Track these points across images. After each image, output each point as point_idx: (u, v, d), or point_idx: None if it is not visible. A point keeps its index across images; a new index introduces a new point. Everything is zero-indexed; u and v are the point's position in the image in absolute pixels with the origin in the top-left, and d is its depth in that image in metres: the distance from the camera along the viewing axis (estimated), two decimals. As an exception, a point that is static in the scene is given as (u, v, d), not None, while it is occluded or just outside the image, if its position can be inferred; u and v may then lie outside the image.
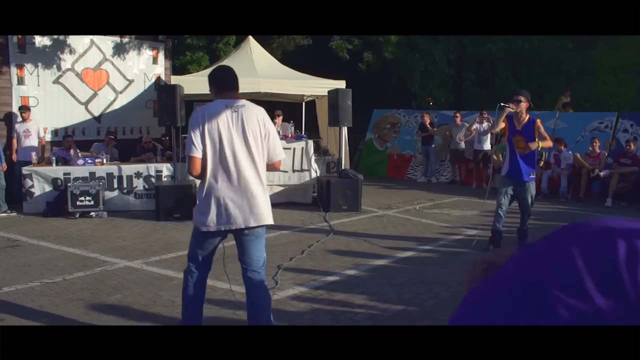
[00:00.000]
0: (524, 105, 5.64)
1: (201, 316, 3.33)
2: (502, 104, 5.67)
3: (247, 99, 3.53)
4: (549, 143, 5.83)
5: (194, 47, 14.03)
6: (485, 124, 10.90)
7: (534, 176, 5.77)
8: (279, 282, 4.63)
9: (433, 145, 11.81)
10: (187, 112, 8.49)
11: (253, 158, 3.11)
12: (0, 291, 4.32)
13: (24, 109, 8.65)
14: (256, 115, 3.21)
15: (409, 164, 12.82)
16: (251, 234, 3.21)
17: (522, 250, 0.59)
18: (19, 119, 8.68)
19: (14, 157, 8.48)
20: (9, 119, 8.82)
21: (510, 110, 5.55)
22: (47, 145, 9.13)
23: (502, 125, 5.80)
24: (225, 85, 3.28)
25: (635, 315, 0.48)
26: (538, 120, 5.61)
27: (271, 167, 3.31)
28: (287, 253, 5.57)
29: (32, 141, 8.60)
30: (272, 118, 9.32)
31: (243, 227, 3.14)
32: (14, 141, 8.53)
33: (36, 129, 8.69)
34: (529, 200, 5.76)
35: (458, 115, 11.63)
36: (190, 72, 12.70)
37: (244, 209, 3.11)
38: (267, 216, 3.23)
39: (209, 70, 10.83)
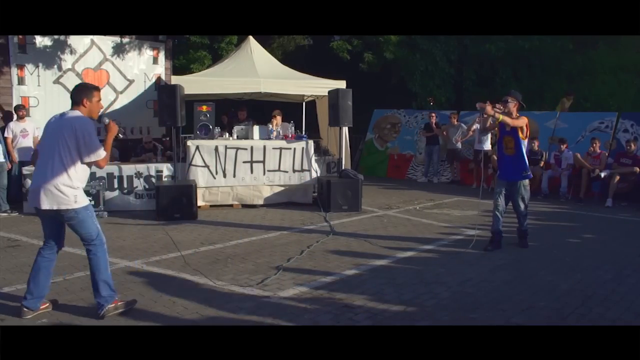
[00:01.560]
0: (511, 105, 5.64)
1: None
2: (478, 103, 5.63)
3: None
4: (509, 121, 5.50)
5: (197, 46, 14.04)
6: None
7: (527, 174, 5.73)
8: (271, 281, 4.63)
9: (437, 146, 11.82)
10: (188, 112, 8.50)
11: None
12: (1, 291, 4.32)
13: (21, 107, 8.58)
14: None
15: (409, 164, 12.83)
16: None
17: None
18: (14, 118, 8.59)
19: (14, 156, 8.41)
20: (9, 118, 8.80)
21: (483, 106, 5.49)
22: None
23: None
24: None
25: None
26: (525, 118, 5.65)
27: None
28: (287, 253, 5.57)
29: (30, 140, 8.56)
30: (271, 118, 9.41)
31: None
32: (9, 141, 8.38)
33: (33, 128, 8.61)
34: (519, 201, 5.75)
35: (454, 116, 11.64)
36: (192, 71, 12.71)
37: None
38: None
39: (211, 70, 10.93)
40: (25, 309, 3.73)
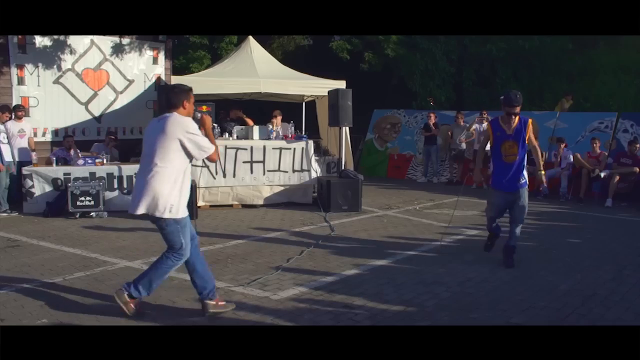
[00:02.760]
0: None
1: None
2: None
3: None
4: (538, 154, 5.30)
5: (196, 46, 14.03)
6: (485, 124, 10.90)
7: (525, 179, 5.20)
8: (271, 281, 4.63)
9: (435, 146, 11.82)
10: (187, 112, 8.47)
11: None
12: (1, 291, 4.32)
13: (20, 108, 8.53)
14: None
15: (409, 164, 12.82)
16: None
17: None
18: (12, 117, 8.55)
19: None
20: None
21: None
22: (47, 146, 9.09)
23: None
24: None
25: None
26: (530, 120, 5.15)
27: None
28: (287, 253, 5.57)
29: (26, 141, 8.47)
30: (271, 118, 9.39)
31: None
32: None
33: (30, 129, 8.58)
34: (523, 210, 5.16)
35: (460, 116, 11.64)
36: (192, 71, 12.71)
37: None
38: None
39: (210, 70, 10.92)
40: (207, 302, 3.77)
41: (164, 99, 7.97)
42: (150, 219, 3.63)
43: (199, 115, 3.86)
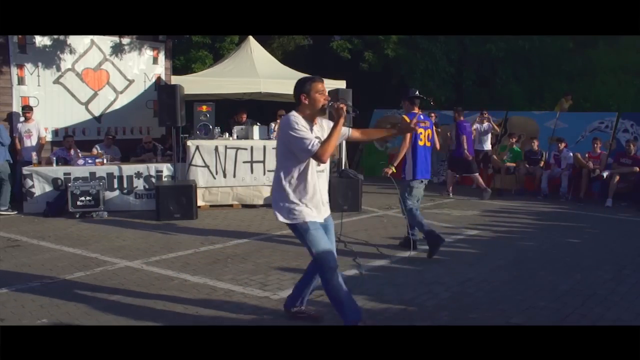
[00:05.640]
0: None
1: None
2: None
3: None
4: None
5: (198, 45, 14.01)
6: (485, 124, 10.90)
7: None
8: (271, 281, 4.63)
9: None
10: (188, 112, 8.49)
11: None
12: (1, 291, 4.32)
13: (27, 109, 8.68)
14: None
15: (409, 164, 12.79)
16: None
17: None
18: (21, 118, 8.71)
19: (18, 157, 8.50)
20: (12, 119, 8.83)
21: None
22: (47, 145, 9.13)
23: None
24: None
25: None
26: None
27: None
28: (287, 253, 5.57)
29: (33, 141, 8.68)
30: (276, 118, 9.37)
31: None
32: (17, 141, 8.56)
33: (37, 129, 8.76)
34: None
35: (459, 113, 11.60)
36: (194, 71, 12.69)
37: None
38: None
39: (210, 70, 10.91)
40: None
41: (164, 98, 8.06)
42: None
43: (336, 104, 3.25)
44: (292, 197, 3.34)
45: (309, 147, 3.15)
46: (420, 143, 5.79)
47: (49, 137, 9.27)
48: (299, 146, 3.18)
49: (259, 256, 5.46)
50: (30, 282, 4.55)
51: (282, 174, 3.35)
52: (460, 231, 6.73)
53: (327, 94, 3.32)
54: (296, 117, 3.25)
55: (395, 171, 5.81)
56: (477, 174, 9.92)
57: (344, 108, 3.23)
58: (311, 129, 3.29)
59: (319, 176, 3.42)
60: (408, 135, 5.59)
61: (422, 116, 5.81)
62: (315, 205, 3.42)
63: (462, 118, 10.21)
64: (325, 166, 3.43)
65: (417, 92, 5.79)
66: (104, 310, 3.89)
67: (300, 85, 3.32)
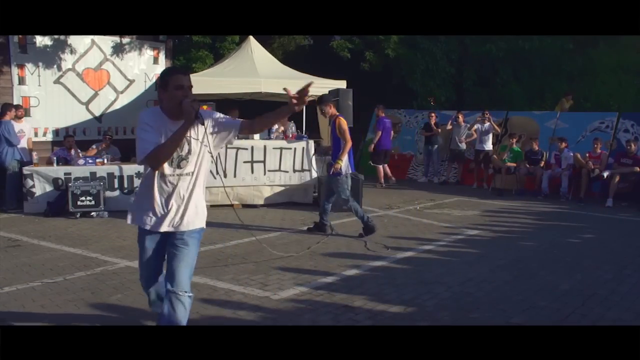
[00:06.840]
0: (327, 108, 6.59)
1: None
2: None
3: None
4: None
5: (199, 45, 14.00)
6: (486, 124, 10.91)
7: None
8: (271, 281, 4.63)
9: (436, 146, 11.81)
10: (188, 112, 8.47)
11: None
12: (1, 291, 4.32)
13: (19, 107, 8.50)
14: None
15: (409, 164, 12.83)
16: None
17: None
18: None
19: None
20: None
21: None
22: (47, 145, 9.10)
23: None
24: None
25: None
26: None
27: None
28: (287, 253, 5.57)
29: (25, 141, 8.47)
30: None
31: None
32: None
33: (29, 129, 8.57)
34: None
35: (460, 115, 11.64)
36: (195, 71, 12.69)
37: None
38: None
39: (211, 70, 10.90)
40: None
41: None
42: None
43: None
44: (138, 198, 3.07)
45: (141, 151, 2.74)
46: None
47: (49, 137, 9.27)
48: (136, 148, 2.78)
49: (259, 256, 5.46)
50: (31, 282, 4.55)
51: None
52: (461, 231, 6.73)
53: (191, 89, 2.85)
54: (147, 113, 2.87)
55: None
56: (382, 166, 11.22)
57: (196, 110, 2.76)
58: (169, 129, 2.80)
59: (181, 180, 2.96)
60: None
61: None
62: (157, 213, 2.97)
63: (382, 114, 11.43)
64: (202, 168, 3.02)
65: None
66: (104, 310, 3.89)
67: (160, 77, 2.93)
